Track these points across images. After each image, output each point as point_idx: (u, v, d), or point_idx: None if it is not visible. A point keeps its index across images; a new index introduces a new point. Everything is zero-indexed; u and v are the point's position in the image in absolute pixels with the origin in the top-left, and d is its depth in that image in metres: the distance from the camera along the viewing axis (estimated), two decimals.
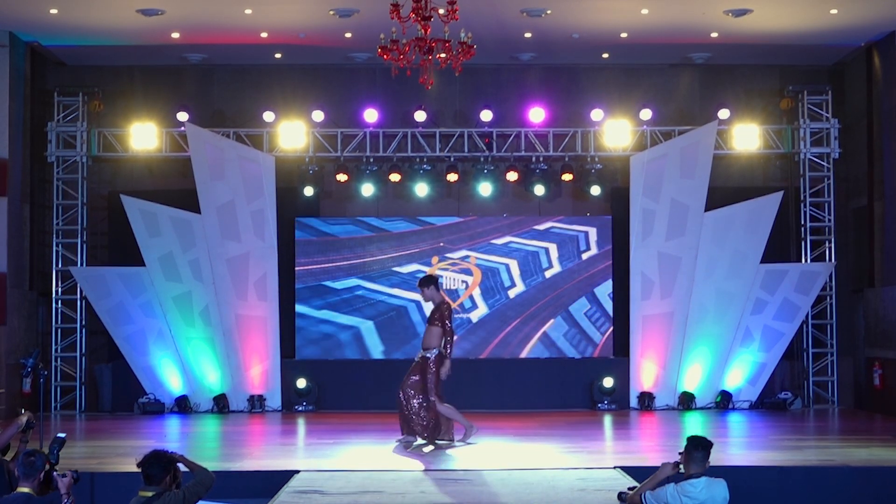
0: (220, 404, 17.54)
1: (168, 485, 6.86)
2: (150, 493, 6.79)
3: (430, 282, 13.16)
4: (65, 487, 6.77)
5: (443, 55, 12.46)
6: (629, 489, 8.52)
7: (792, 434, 14.77)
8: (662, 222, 17.74)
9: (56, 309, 18.03)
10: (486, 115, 17.86)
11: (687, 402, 17.59)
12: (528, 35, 16.98)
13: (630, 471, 10.38)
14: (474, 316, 18.21)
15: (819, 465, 11.40)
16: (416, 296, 18.15)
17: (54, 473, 6.84)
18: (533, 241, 18.25)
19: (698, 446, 7.89)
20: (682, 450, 8.04)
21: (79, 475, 7.02)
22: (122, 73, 18.63)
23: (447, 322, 12.85)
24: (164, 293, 17.55)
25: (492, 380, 17.98)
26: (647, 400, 17.65)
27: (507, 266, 18.25)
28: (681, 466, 8.01)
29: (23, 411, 8.44)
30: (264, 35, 16.93)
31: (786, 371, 18.43)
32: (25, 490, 6.79)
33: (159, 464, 6.87)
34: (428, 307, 13.72)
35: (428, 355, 12.89)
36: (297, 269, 18.16)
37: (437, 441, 12.91)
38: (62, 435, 7.42)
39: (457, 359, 18.05)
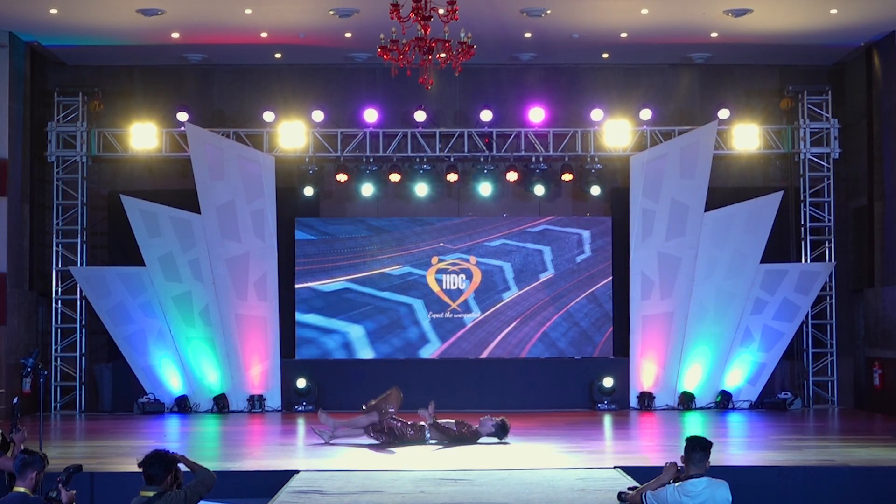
0: (220, 404, 17.54)
1: (169, 485, 6.87)
2: (151, 493, 6.80)
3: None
4: (66, 499, 6.80)
5: (443, 55, 12.46)
6: (629, 489, 8.51)
7: (792, 434, 14.77)
8: (662, 222, 17.73)
9: (56, 309, 18.03)
10: (486, 115, 17.85)
11: (687, 402, 17.59)
12: (528, 35, 16.98)
13: (630, 471, 10.40)
14: (473, 316, 18.20)
15: (819, 465, 11.42)
16: (417, 295, 18.17)
17: (59, 486, 6.86)
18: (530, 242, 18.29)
19: (697, 447, 7.87)
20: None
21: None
22: (122, 73, 18.63)
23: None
24: (164, 293, 17.55)
25: (492, 380, 17.97)
26: (646, 400, 17.65)
27: (506, 266, 18.27)
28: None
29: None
30: (264, 35, 16.93)
31: (786, 371, 18.41)
32: (21, 490, 6.80)
33: (160, 464, 6.87)
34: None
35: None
36: (296, 268, 18.16)
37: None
38: (80, 465, 7.35)
39: (457, 359, 18.13)
